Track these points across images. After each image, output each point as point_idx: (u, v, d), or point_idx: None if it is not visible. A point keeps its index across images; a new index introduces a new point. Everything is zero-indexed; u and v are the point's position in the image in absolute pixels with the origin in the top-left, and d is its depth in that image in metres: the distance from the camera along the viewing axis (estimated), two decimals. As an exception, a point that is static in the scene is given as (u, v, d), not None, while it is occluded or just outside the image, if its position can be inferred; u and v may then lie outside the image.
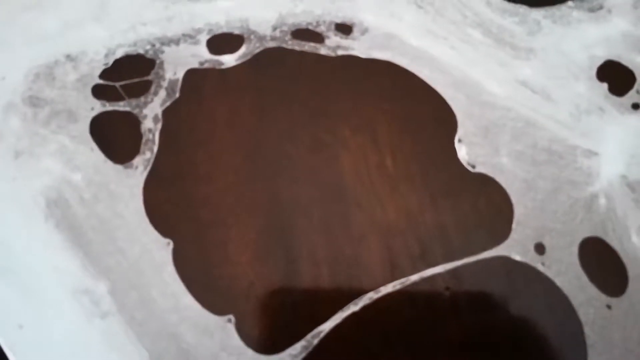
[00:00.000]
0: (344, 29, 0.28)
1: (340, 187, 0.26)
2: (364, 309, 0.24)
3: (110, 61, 0.27)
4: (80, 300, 0.24)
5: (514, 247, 0.25)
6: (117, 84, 0.26)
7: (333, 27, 0.28)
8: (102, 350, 0.24)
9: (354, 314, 0.24)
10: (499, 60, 0.27)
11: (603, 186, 0.26)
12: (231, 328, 0.24)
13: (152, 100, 0.26)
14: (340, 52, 0.27)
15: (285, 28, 0.28)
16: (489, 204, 0.26)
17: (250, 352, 0.24)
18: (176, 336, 0.24)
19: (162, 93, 0.27)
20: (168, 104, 0.26)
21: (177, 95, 0.27)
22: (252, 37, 0.27)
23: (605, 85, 0.27)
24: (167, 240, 0.25)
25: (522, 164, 0.26)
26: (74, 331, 0.24)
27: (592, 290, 0.25)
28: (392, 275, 0.25)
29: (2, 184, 0.25)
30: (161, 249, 0.25)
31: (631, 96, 0.27)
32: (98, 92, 0.26)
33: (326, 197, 0.26)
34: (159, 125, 0.26)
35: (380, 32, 0.28)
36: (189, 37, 0.27)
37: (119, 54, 0.27)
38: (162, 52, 0.27)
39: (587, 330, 0.24)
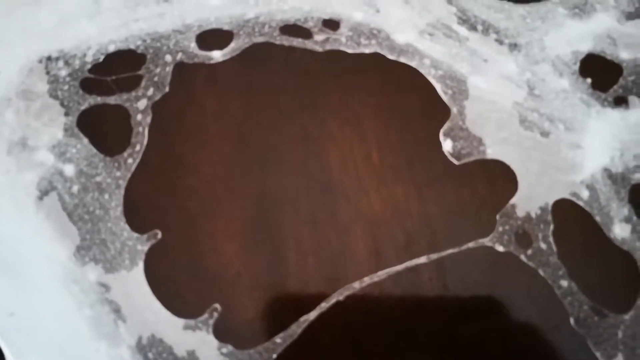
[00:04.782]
0: (332, 24, 0.28)
1: (327, 179, 0.27)
2: (349, 298, 0.25)
3: (102, 56, 0.27)
4: (71, 289, 0.25)
5: (498, 238, 0.25)
6: (109, 79, 0.27)
7: (321, 23, 0.28)
8: (91, 339, 0.24)
9: (338, 303, 0.25)
10: (484, 56, 0.28)
11: (586, 178, 0.26)
12: (212, 323, 0.24)
13: (142, 94, 0.27)
14: (327, 47, 0.28)
15: (273, 24, 0.28)
16: (473, 195, 0.26)
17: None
18: (158, 330, 0.24)
19: (152, 87, 0.27)
20: (158, 98, 0.27)
21: (167, 89, 0.27)
22: (241, 32, 0.28)
23: (588, 81, 0.28)
24: (146, 235, 0.25)
25: (510, 149, 0.26)
26: (64, 319, 0.24)
27: (577, 280, 0.25)
28: (377, 265, 0.25)
29: (-5, 176, 0.26)
30: (140, 244, 0.25)
31: (614, 91, 0.27)
32: (90, 86, 0.27)
33: (313, 189, 0.26)
34: (149, 119, 0.27)
35: (367, 28, 0.28)
36: (179, 32, 0.28)
37: (111, 49, 0.28)
38: (153, 47, 0.28)
39: (572, 321, 0.25)
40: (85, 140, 0.26)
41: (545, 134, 0.27)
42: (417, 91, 0.28)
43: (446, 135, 0.27)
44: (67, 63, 0.27)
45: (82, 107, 0.27)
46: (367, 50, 0.28)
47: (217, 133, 0.27)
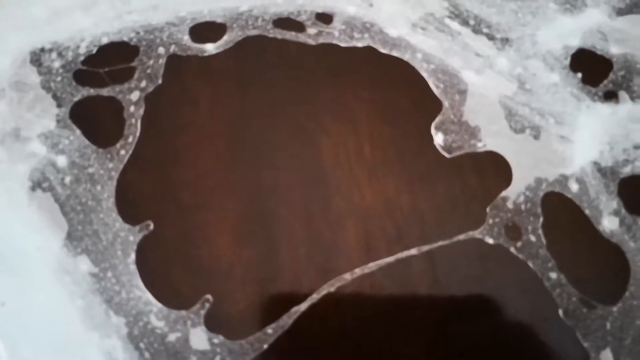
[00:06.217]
0: (325, 18, 0.28)
1: (320, 172, 0.27)
2: (340, 289, 0.25)
3: (95, 48, 0.27)
4: (62, 279, 0.25)
5: (488, 231, 0.26)
6: (102, 70, 0.27)
7: (314, 16, 0.28)
8: (83, 329, 0.24)
9: (329, 295, 0.25)
10: (475, 50, 0.28)
11: (576, 171, 0.26)
12: (203, 314, 0.24)
13: (135, 86, 0.27)
14: (320, 41, 0.28)
15: (266, 17, 0.28)
16: (464, 188, 0.26)
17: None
18: (150, 320, 0.24)
19: (145, 79, 0.27)
20: (151, 90, 0.27)
21: (160, 81, 0.27)
22: (234, 25, 0.28)
23: (579, 75, 0.28)
24: (138, 226, 0.25)
25: (500, 142, 0.27)
26: (56, 309, 0.24)
27: (566, 273, 0.25)
28: (368, 257, 0.25)
29: (-12, 167, 0.26)
30: (132, 235, 0.25)
31: (605, 86, 0.28)
32: (83, 78, 0.27)
33: (306, 182, 0.27)
34: (142, 111, 0.27)
35: (360, 22, 0.28)
36: (173, 25, 0.28)
37: (104, 41, 0.28)
38: (146, 39, 0.28)
39: (561, 312, 0.25)
40: (78, 132, 0.26)
41: (535, 128, 0.27)
42: (409, 85, 0.28)
43: (438, 128, 0.27)
44: (60, 55, 0.27)
45: (75, 99, 0.27)
46: (359, 44, 0.28)
47: (210, 126, 0.27)
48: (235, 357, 0.24)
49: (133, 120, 0.27)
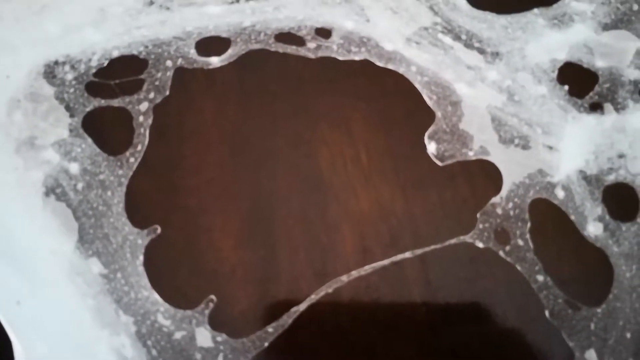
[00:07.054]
0: (324, 33, 0.30)
1: (318, 179, 0.28)
2: (337, 291, 0.26)
3: (106, 61, 0.29)
4: (75, 280, 0.26)
5: (478, 235, 0.27)
6: (112, 82, 0.29)
7: (313, 31, 0.30)
8: (94, 328, 0.26)
9: (327, 296, 0.26)
10: (467, 63, 0.29)
11: (562, 179, 0.28)
12: (207, 314, 0.26)
13: (144, 97, 0.29)
14: (320, 54, 0.30)
15: (268, 32, 0.30)
16: (455, 195, 0.28)
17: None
18: (157, 319, 0.26)
19: (154, 91, 0.29)
20: (159, 100, 0.29)
21: (167, 93, 0.29)
22: (238, 40, 0.30)
23: (566, 88, 0.29)
24: (146, 230, 0.27)
25: (490, 151, 0.28)
26: (69, 309, 0.26)
27: (552, 275, 0.26)
28: (364, 260, 0.27)
29: (4, 174, 0.27)
30: (140, 239, 0.27)
31: (590, 98, 0.29)
32: (94, 89, 0.29)
33: (305, 189, 0.28)
34: (150, 121, 0.28)
35: (357, 36, 0.30)
36: (180, 39, 0.29)
37: (115, 54, 0.29)
38: (155, 53, 0.29)
39: (548, 313, 0.26)
40: (90, 141, 0.28)
41: (524, 138, 0.28)
42: (404, 96, 0.29)
43: (431, 138, 0.28)
44: (73, 67, 0.29)
45: (87, 109, 0.28)
46: (357, 58, 0.30)
47: (214, 135, 0.28)
48: (238, 354, 0.25)
49: (142, 130, 0.28)
